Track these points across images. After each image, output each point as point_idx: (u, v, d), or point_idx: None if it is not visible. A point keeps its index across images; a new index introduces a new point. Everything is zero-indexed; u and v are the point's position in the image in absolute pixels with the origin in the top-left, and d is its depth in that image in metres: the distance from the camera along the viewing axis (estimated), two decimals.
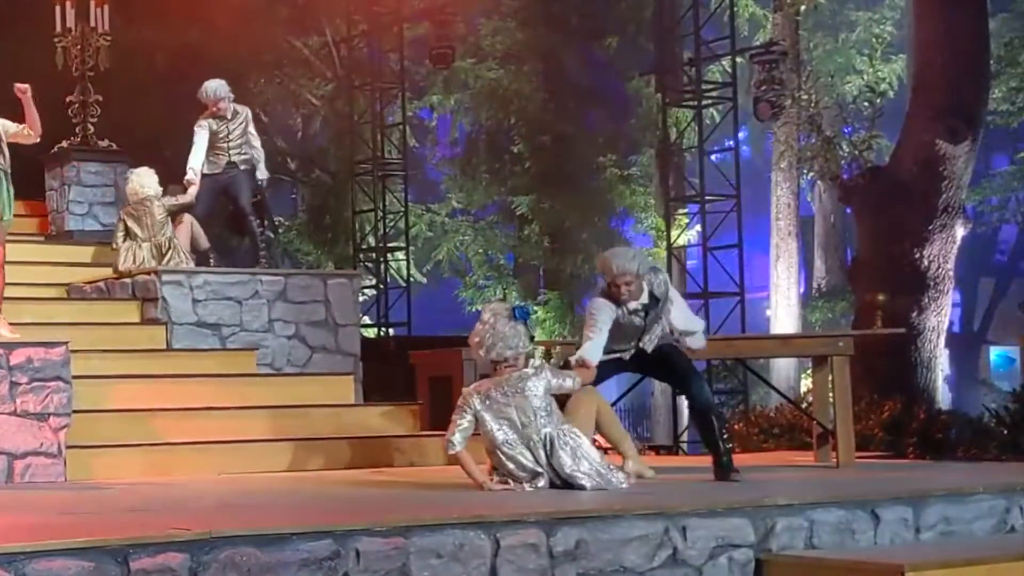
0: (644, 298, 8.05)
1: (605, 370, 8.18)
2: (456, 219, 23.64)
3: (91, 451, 9.06)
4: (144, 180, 12.26)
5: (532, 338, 7.83)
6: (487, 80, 22.05)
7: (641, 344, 8.15)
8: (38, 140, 10.17)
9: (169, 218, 12.16)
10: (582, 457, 7.43)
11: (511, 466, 7.46)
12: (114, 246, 12.16)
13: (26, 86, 9.85)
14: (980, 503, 7.22)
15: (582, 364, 7.84)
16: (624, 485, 7.46)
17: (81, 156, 13.78)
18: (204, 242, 12.42)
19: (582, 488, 7.32)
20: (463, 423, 7.53)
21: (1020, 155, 26.25)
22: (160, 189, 12.28)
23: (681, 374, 8.27)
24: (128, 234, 12.09)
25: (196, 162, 12.34)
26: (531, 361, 7.71)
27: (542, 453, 7.43)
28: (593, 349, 7.88)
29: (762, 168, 24.48)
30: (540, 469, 7.42)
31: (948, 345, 15.92)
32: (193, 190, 12.32)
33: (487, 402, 7.51)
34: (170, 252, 11.96)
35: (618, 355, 8.16)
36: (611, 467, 7.56)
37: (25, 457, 8.65)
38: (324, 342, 11.72)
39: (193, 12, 16.69)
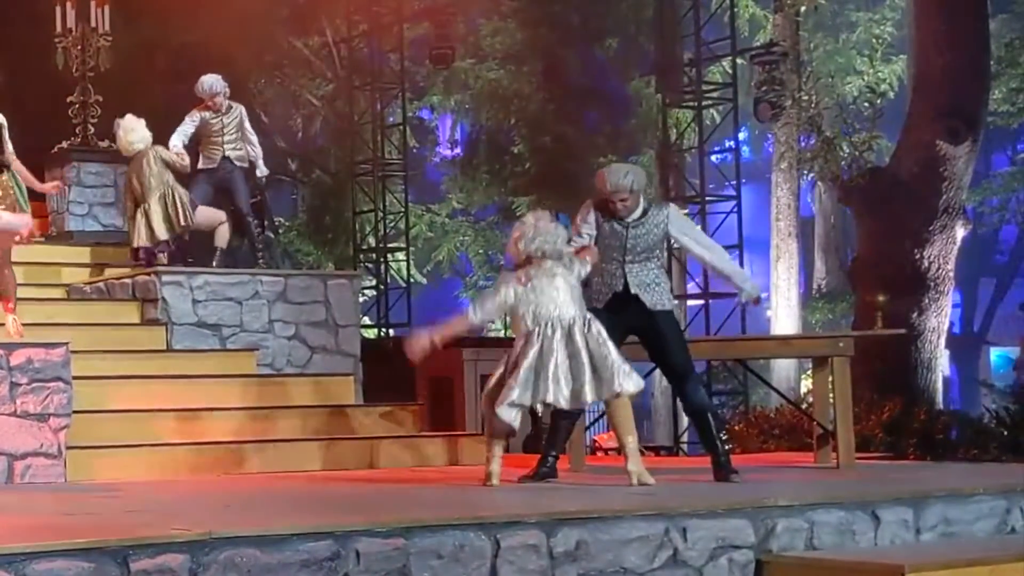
0: (637, 213, 8.09)
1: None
2: (456, 219, 23.65)
3: (91, 452, 9.06)
4: (131, 135, 11.92)
5: (569, 240, 7.94)
6: (487, 80, 22.04)
7: (627, 271, 8.06)
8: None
9: (168, 168, 11.97)
10: (605, 345, 7.57)
11: (534, 361, 7.50)
12: (128, 216, 12.03)
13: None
14: (980, 504, 7.22)
15: (580, 249, 7.95)
16: (627, 388, 7.59)
17: (81, 157, 13.77)
18: (223, 241, 12.29)
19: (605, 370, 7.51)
20: (497, 298, 7.69)
21: (1020, 156, 26.27)
22: (149, 136, 11.97)
23: (677, 373, 8.22)
24: (136, 204, 11.96)
25: (177, 140, 12.21)
26: None
27: (578, 333, 7.55)
28: (578, 242, 8.02)
29: (762, 169, 24.48)
30: (552, 382, 7.50)
31: (948, 346, 15.91)
32: (186, 160, 12.16)
33: (524, 279, 7.66)
34: (174, 208, 11.84)
35: (611, 290, 8.10)
36: (627, 369, 7.64)
37: (25, 458, 8.65)
38: (324, 343, 11.72)
39: (193, 13, 16.68)
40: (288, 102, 22.14)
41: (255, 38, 18.80)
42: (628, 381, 7.62)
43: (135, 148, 11.95)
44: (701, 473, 8.38)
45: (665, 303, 8.15)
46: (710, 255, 8.35)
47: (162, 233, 11.80)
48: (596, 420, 15.96)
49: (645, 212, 8.11)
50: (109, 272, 12.19)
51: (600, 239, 8.07)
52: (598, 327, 7.64)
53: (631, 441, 7.82)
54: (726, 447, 8.28)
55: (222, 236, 12.24)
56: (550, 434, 8.41)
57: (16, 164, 10.53)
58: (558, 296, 7.63)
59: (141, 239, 11.88)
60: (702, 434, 8.30)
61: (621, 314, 8.07)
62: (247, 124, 12.59)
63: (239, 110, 12.56)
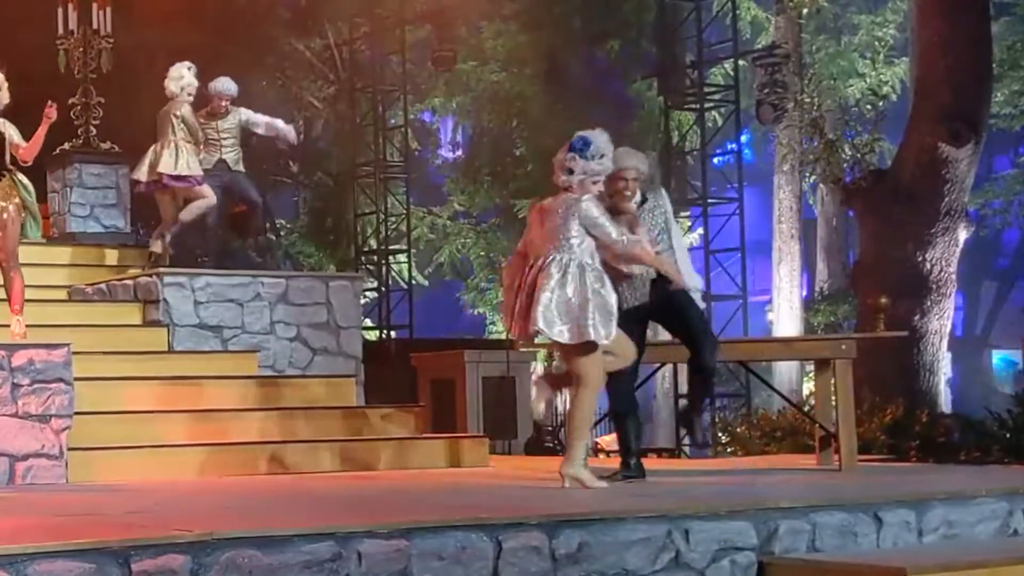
0: (637, 198, 8.35)
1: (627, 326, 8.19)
2: (458, 222, 23.62)
3: (93, 453, 9.07)
4: (169, 83, 12.15)
5: None
6: (489, 83, 22.03)
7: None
8: (27, 163, 10.23)
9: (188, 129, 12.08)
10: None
11: None
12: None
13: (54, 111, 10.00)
14: (982, 506, 7.22)
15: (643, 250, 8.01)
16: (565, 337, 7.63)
17: (83, 158, 13.77)
18: (189, 216, 12.15)
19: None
20: None
21: (1023, 158, 26.23)
22: (187, 84, 12.12)
23: (695, 334, 8.39)
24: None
25: None
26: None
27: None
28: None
29: (765, 171, 24.47)
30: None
31: (950, 348, 15.89)
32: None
33: None
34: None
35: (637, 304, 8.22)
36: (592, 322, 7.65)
37: (27, 459, 8.66)
38: (326, 344, 11.72)
39: (195, 14, 16.68)
40: (290, 104, 22.11)
41: (257, 40, 18.80)
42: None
43: (169, 91, 12.10)
44: (703, 475, 8.38)
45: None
46: (682, 259, 8.53)
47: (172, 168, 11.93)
48: (599, 421, 15.94)
49: (644, 197, 8.41)
50: (110, 273, 12.19)
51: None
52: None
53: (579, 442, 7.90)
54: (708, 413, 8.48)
55: (190, 211, 12.18)
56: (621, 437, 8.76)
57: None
58: None
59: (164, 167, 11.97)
60: (696, 391, 8.63)
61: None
62: (253, 118, 12.61)
63: (238, 115, 12.56)
